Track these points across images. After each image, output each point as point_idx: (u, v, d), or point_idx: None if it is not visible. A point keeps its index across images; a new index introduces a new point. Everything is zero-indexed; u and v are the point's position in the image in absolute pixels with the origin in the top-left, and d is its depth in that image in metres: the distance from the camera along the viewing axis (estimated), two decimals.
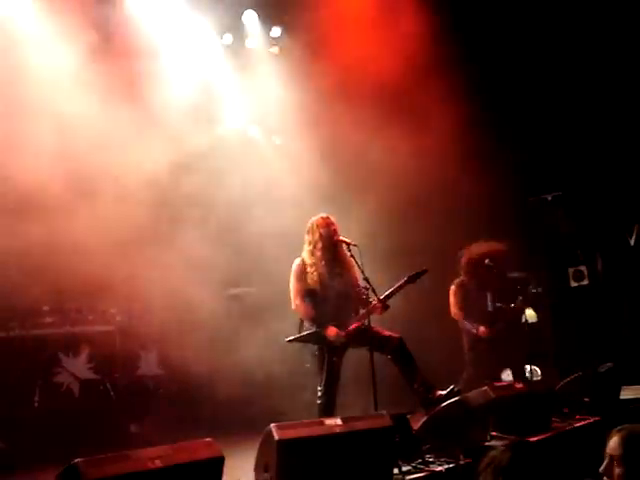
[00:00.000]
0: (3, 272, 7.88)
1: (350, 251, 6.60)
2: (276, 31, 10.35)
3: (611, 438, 3.02)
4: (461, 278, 9.13)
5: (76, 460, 3.88)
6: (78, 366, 8.37)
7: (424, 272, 6.82)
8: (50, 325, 8.43)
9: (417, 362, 6.73)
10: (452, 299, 9.07)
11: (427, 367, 6.90)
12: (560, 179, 11.06)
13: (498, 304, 9.15)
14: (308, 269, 6.74)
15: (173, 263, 8.31)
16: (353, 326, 6.66)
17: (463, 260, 9.14)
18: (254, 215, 9.17)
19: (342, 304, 6.75)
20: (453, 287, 9.11)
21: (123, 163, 8.08)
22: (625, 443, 2.96)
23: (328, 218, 6.82)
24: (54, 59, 7.96)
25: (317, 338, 6.62)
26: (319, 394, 6.62)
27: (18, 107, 7.69)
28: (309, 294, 6.75)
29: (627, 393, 8.23)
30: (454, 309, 9.04)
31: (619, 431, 3.02)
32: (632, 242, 10.90)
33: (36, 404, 8.03)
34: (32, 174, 7.39)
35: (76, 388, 8.34)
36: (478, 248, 9.12)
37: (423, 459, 5.43)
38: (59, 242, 7.34)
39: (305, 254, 6.81)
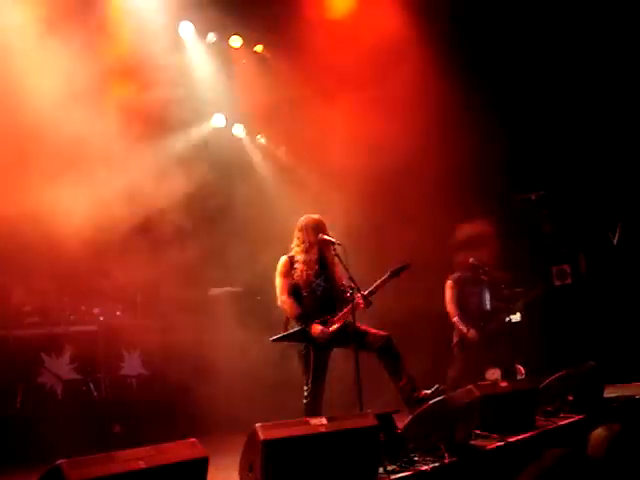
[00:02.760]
0: None
1: (335, 250, 6.60)
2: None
3: (591, 438, 3.02)
4: (457, 273, 9.13)
5: (59, 461, 3.84)
6: (61, 366, 8.33)
7: (406, 267, 6.82)
8: (32, 325, 8.38)
9: (404, 361, 6.71)
10: (448, 294, 9.06)
11: (412, 366, 6.88)
12: (543, 178, 11.11)
13: (491, 307, 9.16)
14: (297, 266, 6.73)
15: (156, 263, 8.27)
16: (337, 323, 6.64)
17: (457, 260, 9.15)
18: (239, 214, 9.13)
19: (326, 302, 6.74)
20: (449, 282, 9.11)
21: (106, 160, 8.01)
22: (606, 443, 2.96)
23: (320, 220, 6.83)
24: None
25: (302, 336, 6.61)
26: (305, 393, 6.60)
27: None
28: (294, 291, 6.74)
29: (610, 391, 8.27)
30: (449, 305, 9.04)
31: (598, 431, 3.02)
32: (615, 241, 10.97)
33: (19, 405, 7.99)
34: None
35: (59, 389, 8.30)
36: (466, 231, 9.12)
37: (408, 458, 5.41)
38: (41, 242, 7.27)
39: (296, 251, 6.80)
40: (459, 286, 9.08)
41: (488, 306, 9.17)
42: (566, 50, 10.49)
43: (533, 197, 10.95)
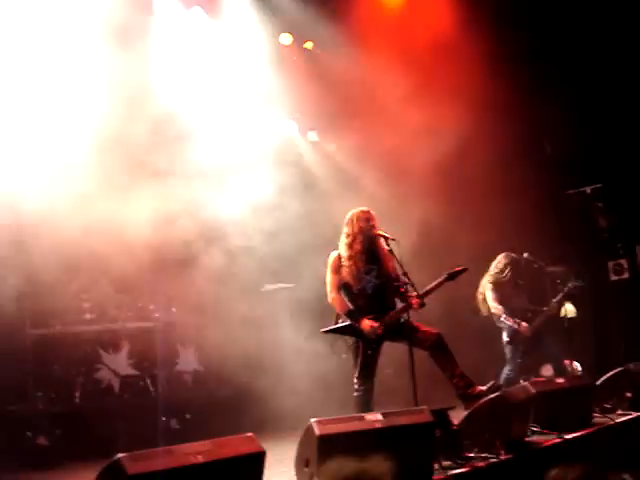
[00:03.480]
0: (44, 269, 8.00)
1: (389, 245, 6.58)
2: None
3: None
4: (496, 275, 9.04)
5: (119, 455, 3.92)
6: (118, 362, 8.46)
7: (464, 270, 6.76)
8: (90, 322, 8.50)
9: (455, 357, 6.67)
10: (490, 295, 8.98)
11: (465, 363, 6.84)
12: (599, 172, 10.94)
13: (532, 305, 9.07)
14: (344, 262, 6.71)
15: (211, 260, 8.36)
16: (390, 319, 6.63)
17: (499, 256, 9.08)
18: (292, 211, 9.15)
19: (379, 298, 6.71)
20: (489, 284, 9.02)
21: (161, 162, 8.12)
22: None
23: (368, 212, 6.79)
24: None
25: (352, 330, 6.61)
26: (355, 387, 6.60)
27: None
28: (345, 287, 6.74)
29: None
30: (493, 305, 8.94)
31: None
32: None
33: (77, 400, 8.13)
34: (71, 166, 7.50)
35: (116, 384, 8.43)
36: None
37: (464, 455, 5.40)
38: (98, 239, 7.41)
39: (342, 247, 6.79)
40: (499, 287, 8.98)
41: (529, 303, 9.08)
42: (621, 42, 10.31)
43: (588, 190, 10.80)
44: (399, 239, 6.53)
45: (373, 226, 6.70)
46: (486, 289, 9.03)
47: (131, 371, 8.52)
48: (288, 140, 10.23)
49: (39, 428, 7.74)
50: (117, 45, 7.74)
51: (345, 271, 6.71)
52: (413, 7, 10.17)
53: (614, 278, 10.99)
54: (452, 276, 6.71)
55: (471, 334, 9.46)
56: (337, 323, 6.73)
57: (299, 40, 10.41)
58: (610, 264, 11.02)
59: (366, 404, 6.53)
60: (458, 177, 9.57)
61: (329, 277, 6.78)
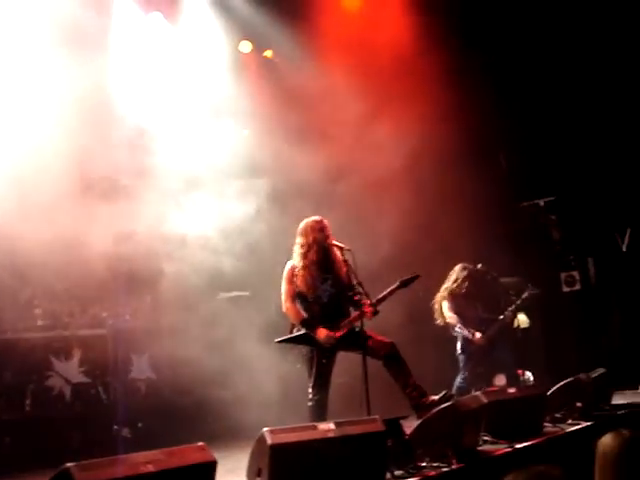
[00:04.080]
0: None
1: (344, 255, 6.61)
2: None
3: (598, 445, 3.01)
4: (450, 286, 9.13)
5: (68, 464, 3.86)
6: (70, 370, 8.33)
7: (416, 277, 6.83)
8: (42, 328, 8.38)
9: (409, 367, 6.72)
10: (446, 305, 9.06)
11: (419, 372, 6.89)
12: (552, 184, 11.10)
13: (488, 314, 9.16)
14: (299, 272, 6.73)
15: (166, 267, 8.30)
16: (344, 328, 6.65)
17: (456, 268, 9.16)
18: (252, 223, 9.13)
19: (333, 308, 6.74)
20: (445, 294, 9.10)
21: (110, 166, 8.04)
22: (614, 450, 2.95)
23: (321, 221, 6.81)
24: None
25: (307, 340, 6.63)
26: (309, 396, 6.62)
27: None
28: (300, 296, 6.75)
29: (618, 398, 8.25)
30: (448, 314, 9.03)
31: (604, 438, 3.01)
32: (624, 247, 10.95)
33: (27, 408, 7.99)
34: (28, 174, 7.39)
35: (68, 392, 8.30)
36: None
37: (416, 464, 5.42)
38: (51, 245, 7.31)
39: (296, 257, 6.80)
40: (453, 297, 9.07)
41: (483, 313, 9.17)
42: (573, 55, 10.50)
43: (542, 203, 10.95)
44: (355, 251, 6.56)
45: (327, 236, 6.72)
46: (442, 299, 9.11)
47: (83, 379, 8.40)
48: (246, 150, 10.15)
49: None
50: (71, 49, 7.64)
51: (300, 280, 6.72)
52: (370, 22, 10.22)
53: (566, 289, 11.16)
54: (405, 283, 6.76)
55: (432, 343, 9.50)
56: (292, 333, 6.73)
57: (259, 48, 10.41)
58: (562, 276, 11.19)
59: (320, 413, 6.54)
60: (413, 189, 9.61)
61: (284, 287, 6.79)
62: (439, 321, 9.11)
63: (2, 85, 7.72)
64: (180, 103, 9.40)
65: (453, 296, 9.07)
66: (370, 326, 6.72)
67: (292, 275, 6.75)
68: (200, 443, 4.46)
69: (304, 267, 6.71)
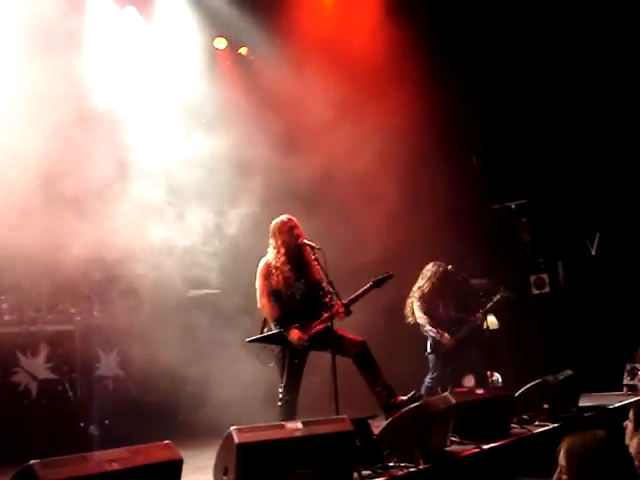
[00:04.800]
0: None
1: (315, 254, 6.60)
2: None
3: (560, 448, 3.02)
4: (422, 285, 9.15)
5: (32, 462, 3.81)
6: (36, 366, 8.24)
7: (389, 277, 6.84)
8: (8, 323, 8.28)
9: (379, 367, 6.72)
10: (415, 305, 9.10)
11: (389, 372, 6.90)
12: (523, 188, 11.18)
13: (459, 315, 9.21)
14: (273, 269, 6.71)
15: (136, 265, 8.23)
16: (316, 329, 6.64)
17: (427, 267, 9.18)
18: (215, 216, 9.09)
19: (305, 306, 6.73)
20: (414, 293, 9.13)
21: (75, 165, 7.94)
22: (569, 452, 2.96)
23: (291, 220, 6.80)
24: None
25: (279, 339, 6.60)
26: (280, 396, 6.61)
27: None
28: (274, 294, 6.73)
29: (585, 400, 8.33)
30: (418, 314, 9.06)
31: (566, 440, 3.02)
32: (593, 251, 11.05)
33: None
34: None
35: (34, 388, 8.21)
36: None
37: (383, 464, 5.42)
38: (17, 240, 7.22)
39: (270, 255, 6.79)
40: (424, 297, 9.09)
41: (455, 314, 9.21)
42: (543, 59, 10.59)
43: (513, 206, 11.02)
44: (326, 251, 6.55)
45: (298, 234, 6.71)
46: (413, 299, 9.13)
47: (49, 375, 8.31)
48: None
49: None
50: (43, 45, 7.54)
51: (274, 278, 6.69)
52: (344, 22, 10.23)
53: (535, 292, 11.24)
54: (377, 283, 6.77)
55: (402, 342, 9.52)
56: (262, 332, 6.71)
57: (234, 45, 10.37)
58: (532, 278, 11.27)
59: (290, 413, 6.53)
60: (384, 190, 9.63)
61: (259, 283, 6.77)
62: (410, 320, 9.12)
63: None
64: (153, 99, 9.31)
65: (424, 296, 9.10)
66: (341, 325, 6.71)
67: (267, 272, 6.73)
68: (166, 441, 4.43)
69: (277, 265, 6.69)
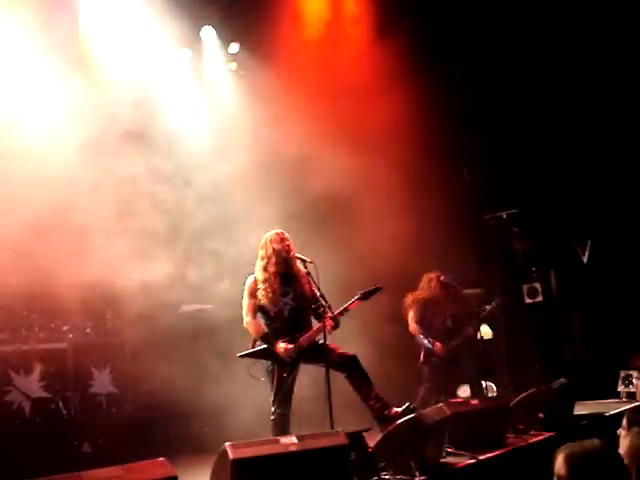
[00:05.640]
0: None
1: (306, 268, 6.60)
2: (234, 47, 10.34)
3: (557, 457, 3.02)
4: (416, 294, 9.17)
5: None
6: (29, 384, 8.18)
7: (377, 290, 6.81)
8: (1, 342, 8.24)
9: (371, 379, 6.71)
10: (409, 314, 9.11)
11: (382, 384, 6.88)
12: (515, 197, 11.21)
13: (453, 325, 9.20)
14: (260, 285, 6.69)
15: (128, 280, 8.20)
16: (303, 342, 6.63)
17: (424, 278, 9.20)
18: (209, 233, 9.07)
19: (294, 321, 6.70)
20: (409, 302, 9.14)
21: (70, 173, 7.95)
22: (568, 463, 2.96)
23: (282, 233, 6.79)
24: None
25: (268, 354, 6.59)
26: (272, 409, 6.58)
27: None
28: (262, 310, 6.72)
29: (580, 409, 8.33)
30: (411, 323, 9.09)
31: (563, 450, 3.02)
32: (585, 259, 11.09)
33: None
34: None
35: (27, 407, 8.14)
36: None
37: (379, 477, 5.41)
38: (10, 259, 7.20)
39: (257, 270, 6.77)
40: (418, 306, 9.11)
41: (450, 324, 9.21)
42: (533, 70, 10.65)
43: (504, 215, 11.04)
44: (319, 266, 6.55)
45: (288, 248, 6.70)
46: (408, 308, 9.14)
47: (43, 393, 8.25)
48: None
49: None
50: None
51: (261, 294, 6.68)
52: (333, 43, 10.27)
53: (528, 301, 11.25)
54: (365, 295, 6.74)
55: (395, 354, 9.51)
56: (254, 347, 6.70)
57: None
58: (525, 287, 11.28)
59: (283, 427, 6.50)
60: (375, 202, 9.65)
61: (245, 301, 6.76)
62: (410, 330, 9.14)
63: None
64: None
65: (419, 305, 9.11)
66: (331, 338, 6.70)
67: (254, 289, 6.72)
68: (161, 458, 4.41)
69: (265, 280, 6.68)
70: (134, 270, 8.22)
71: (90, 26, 8.90)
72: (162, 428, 8.52)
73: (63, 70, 8.10)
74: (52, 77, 8.09)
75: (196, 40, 10.06)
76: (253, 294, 6.70)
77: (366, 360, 6.82)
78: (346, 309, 6.67)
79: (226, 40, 10.28)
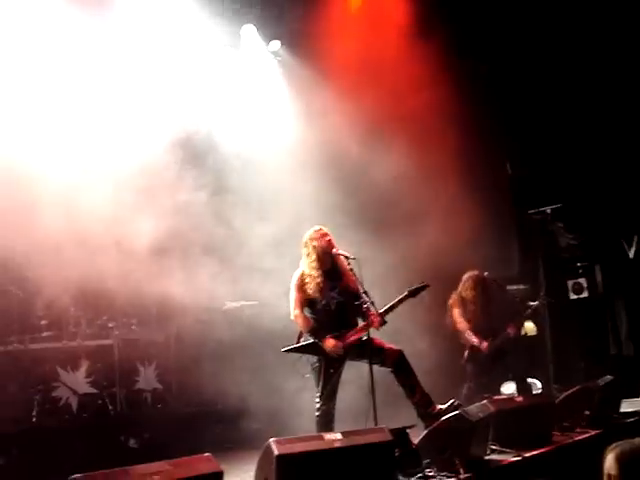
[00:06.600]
0: (2, 287, 7.90)
1: (350, 264, 6.60)
2: (275, 45, 10.39)
3: (607, 456, 2.99)
4: (459, 292, 9.13)
5: (74, 476, 3.85)
6: (77, 380, 8.33)
7: (425, 287, 6.80)
8: (48, 339, 8.39)
9: (417, 376, 6.69)
10: (454, 312, 9.08)
11: (426, 381, 6.86)
12: (559, 192, 11.08)
13: (497, 322, 9.13)
14: (307, 280, 6.73)
15: (172, 277, 8.28)
16: (351, 338, 6.64)
17: (467, 275, 9.15)
18: (255, 229, 9.11)
19: (341, 316, 6.73)
20: (453, 300, 9.11)
21: (125, 172, 8.06)
22: (620, 461, 2.92)
23: (322, 230, 6.82)
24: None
25: (314, 349, 6.61)
26: (317, 406, 6.61)
27: None
28: (308, 304, 6.74)
29: (627, 406, 8.21)
30: (458, 320, 9.05)
31: (613, 449, 2.98)
32: (631, 254, 10.92)
33: (34, 419, 7.98)
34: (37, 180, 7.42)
35: (74, 403, 8.29)
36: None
37: (423, 474, 5.40)
38: (57, 257, 7.32)
39: (304, 265, 6.82)
40: (463, 304, 9.07)
41: (493, 322, 9.14)
42: (579, 63, 10.49)
43: (549, 210, 10.92)
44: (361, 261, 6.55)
45: (329, 244, 6.72)
46: (452, 306, 9.11)
47: (89, 389, 8.39)
48: None
49: None
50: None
51: (308, 288, 6.71)
52: (372, 34, 10.23)
53: (573, 297, 11.12)
54: (413, 293, 6.74)
55: (439, 351, 9.48)
56: (299, 342, 6.72)
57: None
58: (569, 283, 11.15)
59: (327, 423, 6.52)
60: (418, 199, 9.61)
61: (293, 295, 6.79)
62: (451, 328, 9.10)
63: None
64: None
65: (463, 303, 9.08)
66: (378, 334, 6.70)
67: (301, 283, 6.76)
68: (207, 454, 4.45)
69: (312, 275, 6.71)
70: (179, 267, 8.31)
71: (130, 29, 8.99)
72: (207, 423, 8.57)
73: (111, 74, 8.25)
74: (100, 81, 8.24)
75: (237, 38, 10.11)
76: (300, 288, 6.74)
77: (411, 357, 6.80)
78: (394, 306, 6.66)
79: (266, 38, 10.32)
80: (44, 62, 7.96)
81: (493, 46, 10.58)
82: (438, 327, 9.21)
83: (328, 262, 6.76)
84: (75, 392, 8.31)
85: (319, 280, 6.71)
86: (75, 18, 8.04)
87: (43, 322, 8.40)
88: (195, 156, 9.03)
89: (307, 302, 6.76)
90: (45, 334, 8.40)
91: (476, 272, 9.11)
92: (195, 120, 9.09)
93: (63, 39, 8.04)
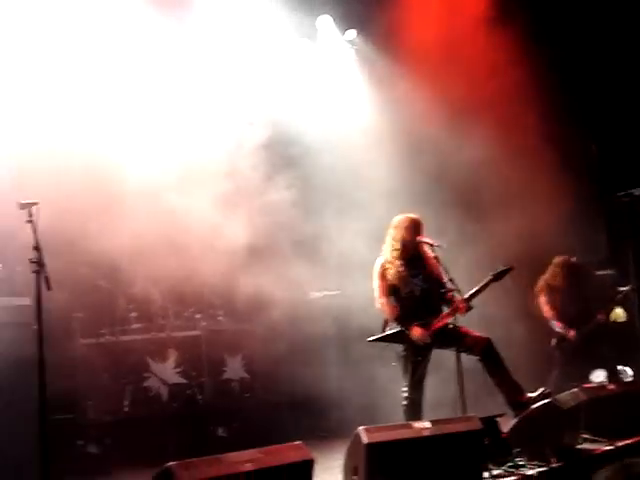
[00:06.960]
0: (92, 282, 8.13)
1: (434, 252, 6.56)
2: (351, 34, 10.37)
3: None
4: (546, 278, 8.99)
5: (170, 463, 3.96)
6: (166, 371, 8.53)
7: (509, 270, 6.67)
8: (138, 331, 8.61)
9: (506, 363, 6.60)
10: (542, 299, 8.95)
11: (515, 368, 6.76)
12: None
13: (585, 308, 8.94)
14: (390, 267, 6.70)
15: (255, 268, 8.37)
16: (437, 325, 6.59)
17: (555, 261, 9.00)
18: (345, 222, 9.13)
19: (426, 303, 6.68)
20: (540, 287, 8.98)
21: (214, 169, 8.19)
22: None
23: (407, 218, 6.78)
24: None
25: (401, 338, 6.58)
26: (404, 395, 6.57)
27: None
28: (392, 292, 6.72)
29: None
30: (544, 308, 8.91)
31: None
32: None
33: (126, 409, 8.21)
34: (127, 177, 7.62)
35: (165, 393, 8.49)
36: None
37: (514, 462, 5.35)
38: (145, 251, 7.48)
39: (387, 251, 6.79)
40: (550, 290, 8.91)
41: (581, 308, 8.95)
42: None
43: (637, 192, 10.61)
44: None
45: (418, 232, 6.68)
46: (540, 292, 8.99)
47: (178, 379, 8.58)
48: None
49: (89, 436, 7.83)
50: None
51: (392, 275, 6.69)
52: (450, 25, 10.13)
53: None
54: (497, 277, 6.63)
55: (527, 338, 9.34)
56: (384, 331, 6.70)
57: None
58: None
59: (415, 412, 6.48)
60: (503, 184, 9.48)
61: (376, 283, 6.77)
62: (538, 314, 8.97)
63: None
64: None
65: (550, 289, 8.95)
66: (464, 322, 6.63)
67: (383, 270, 6.74)
68: (298, 442, 4.51)
69: (394, 262, 6.69)
70: (263, 259, 8.39)
71: (208, 28, 9.09)
72: (295, 412, 8.64)
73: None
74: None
75: (313, 30, 10.13)
76: (383, 275, 6.72)
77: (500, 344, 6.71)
78: (479, 291, 6.58)
79: (342, 28, 10.31)
80: (128, 63, 8.10)
81: (577, 25, 10.32)
82: (527, 313, 9.06)
83: (411, 250, 6.72)
84: (165, 382, 8.51)
85: (400, 268, 6.69)
86: (155, 18, 8.15)
87: (132, 315, 8.62)
88: (281, 155, 9.08)
89: (391, 289, 6.74)
90: (135, 326, 8.62)
91: (564, 258, 8.94)
92: (278, 117, 9.11)
93: (145, 39, 8.16)
